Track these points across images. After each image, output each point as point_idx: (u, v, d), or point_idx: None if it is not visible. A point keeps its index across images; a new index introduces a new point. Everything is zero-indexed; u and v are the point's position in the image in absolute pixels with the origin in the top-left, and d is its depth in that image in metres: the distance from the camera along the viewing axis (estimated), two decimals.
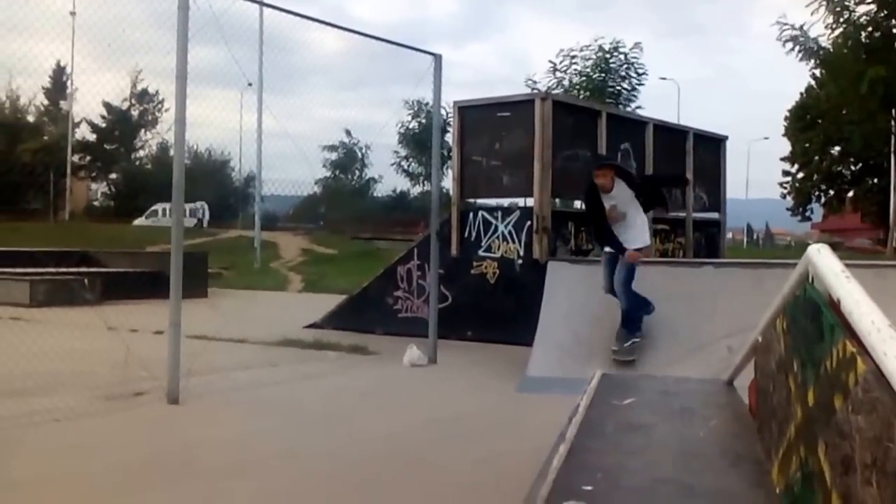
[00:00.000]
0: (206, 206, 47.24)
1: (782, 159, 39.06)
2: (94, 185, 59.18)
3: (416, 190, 47.26)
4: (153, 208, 47.06)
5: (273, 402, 7.10)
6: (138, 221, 45.44)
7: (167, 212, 46.10)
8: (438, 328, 9.19)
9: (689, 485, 2.65)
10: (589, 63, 23.97)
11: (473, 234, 10.37)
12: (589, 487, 2.57)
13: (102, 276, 16.94)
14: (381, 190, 50.46)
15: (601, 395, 3.95)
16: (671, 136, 12.36)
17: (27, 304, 14.85)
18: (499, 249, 10.16)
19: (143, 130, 58.07)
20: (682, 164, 12.26)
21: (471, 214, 10.43)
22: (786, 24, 19.74)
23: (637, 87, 24.35)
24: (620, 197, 7.82)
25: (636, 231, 7.92)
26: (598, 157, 9.49)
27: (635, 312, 7.76)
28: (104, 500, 4.31)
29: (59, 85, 54.65)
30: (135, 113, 57.38)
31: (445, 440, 5.76)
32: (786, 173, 39.18)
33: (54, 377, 7.70)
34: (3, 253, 21.70)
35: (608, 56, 23.91)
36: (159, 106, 55.92)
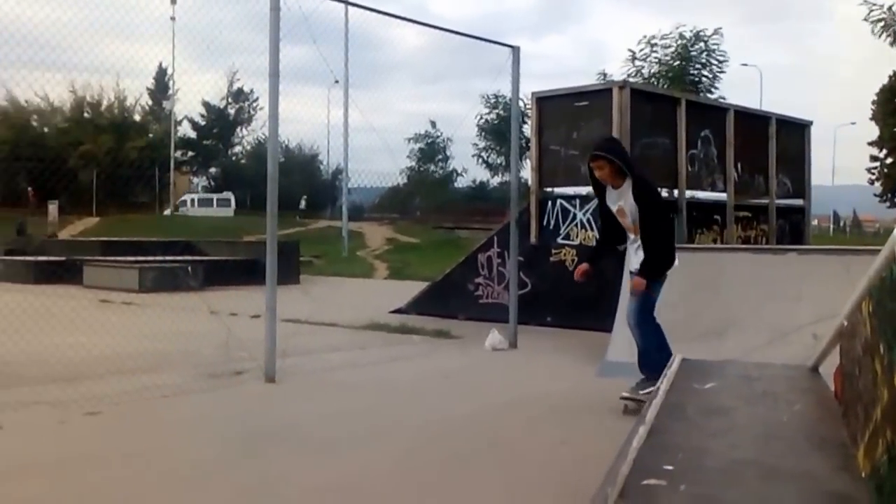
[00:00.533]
0: (232, 196, 48.99)
1: (870, 144, 37.28)
2: (195, 179, 61.01)
3: (495, 180, 47.20)
4: (182, 199, 48.67)
5: (363, 382, 7.20)
6: (168, 212, 47.00)
7: (195, 202, 48.21)
8: (518, 314, 9.16)
9: (773, 466, 2.58)
10: (668, 51, 23.45)
11: (552, 222, 10.29)
12: (670, 467, 2.52)
13: (204, 264, 17.45)
14: (462, 181, 50.56)
15: (681, 378, 3.88)
16: (753, 122, 12.00)
17: (137, 290, 15.39)
18: (577, 237, 10.07)
19: (239, 127, 59.47)
20: (765, 151, 11.90)
21: (549, 203, 10.36)
22: (874, 4, 18.93)
23: (718, 74, 23.68)
24: (629, 201, 5.84)
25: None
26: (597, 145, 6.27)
27: (655, 352, 5.74)
28: (210, 470, 4.44)
29: (161, 86, 56.43)
30: (231, 111, 58.83)
31: (526, 420, 5.74)
32: (874, 158, 37.38)
33: (162, 356, 7.99)
34: (115, 243, 22.62)
35: (688, 44, 23.34)
36: (254, 104, 57.24)
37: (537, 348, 8.82)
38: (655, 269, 5.83)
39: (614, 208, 5.98)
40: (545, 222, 10.34)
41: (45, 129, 52.58)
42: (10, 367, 7.19)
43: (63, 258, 19.06)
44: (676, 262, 6.00)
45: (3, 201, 42.97)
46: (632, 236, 6.01)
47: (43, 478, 4.28)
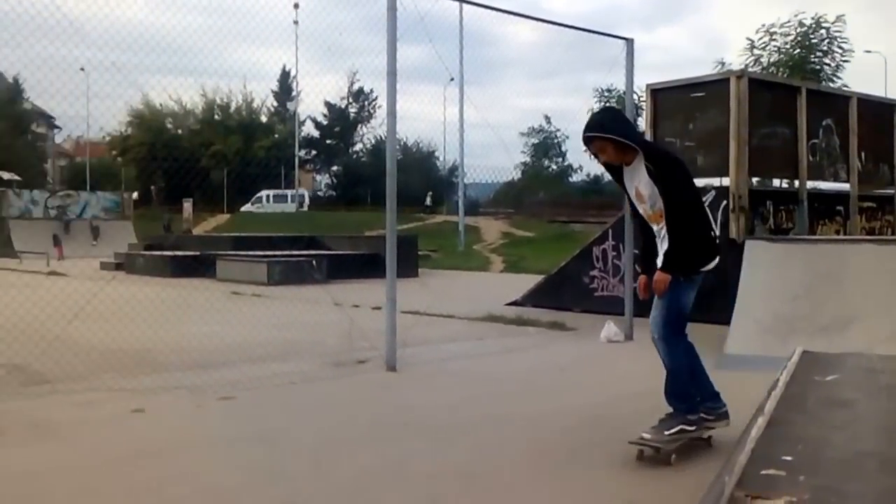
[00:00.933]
0: (305, 192, 50.97)
1: None
2: (318, 177, 62.74)
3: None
4: (258, 195, 49.87)
5: (480, 371, 7.28)
6: (245, 208, 48.15)
7: (270, 198, 49.54)
8: (634, 306, 9.04)
9: (895, 458, 2.50)
10: (788, 39, 22.50)
11: None
12: (789, 458, 2.48)
13: (328, 258, 17.99)
14: (577, 175, 50.20)
15: (802, 371, 3.78)
16: (877, 109, 11.42)
17: (265, 283, 16.02)
18: None
19: (359, 126, 60.75)
20: (891, 139, 11.32)
21: None
22: None
23: (842, 63, 22.54)
24: (643, 179, 4.54)
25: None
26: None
27: (683, 378, 4.65)
28: (337, 452, 4.61)
29: (285, 87, 58.33)
30: (352, 110, 60.13)
31: (643, 412, 5.65)
32: None
33: (290, 345, 8.30)
34: (244, 238, 23.59)
35: (808, 31, 22.33)
36: (373, 103, 58.35)
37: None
38: (682, 263, 4.49)
39: (632, 193, 4.67)
40: None
41: (179, 131, 55.30)
42: (151, 355, 7.64)
43: (197, 253, 20.02)
44: (717, 259, 4.68)
45: (141, 200, 45.41)
46: (655, 227, 4.65)
47: (184, 458, 4.54)
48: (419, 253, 20.48)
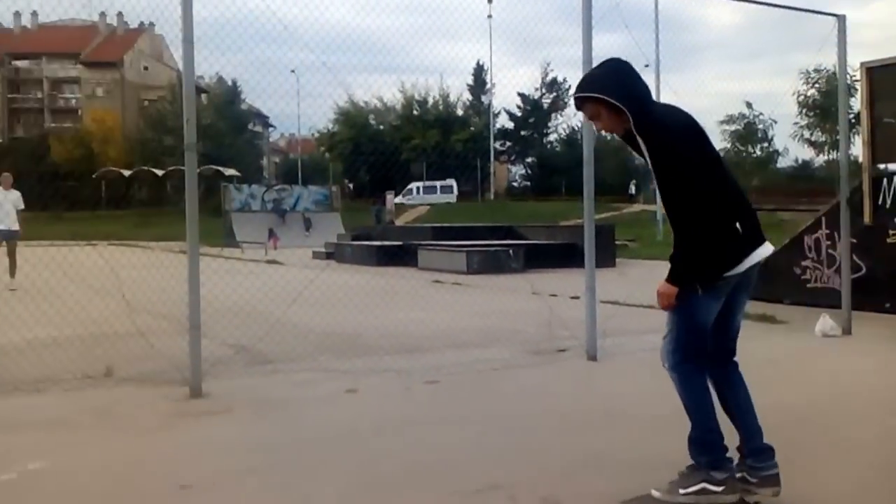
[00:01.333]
0: (454, 182, 51.29)
1: None
2: (512, 168, 63.31)
3: (820, 158, 43.66)
4: (409, 187, 50.07)
5: None
6: (397, 200, 48.60)
7: (420, 190, 49.85)
8: (852, 299, 8.46)
9: None
10: None
11: (889, 201, 9.36)
12: None
13: (524, 248, 18.12)
14: (783, 160, 47.48)
15: None
16: None
17: (464, 272, 16.40)
18: None
19: (553, 116, 60.64)
20: None
21: (885, 180, 9.43)
22: None
23: None
24: (646, 156, 3.48)
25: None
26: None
27: (704, 421, 3.55)
28: (546, 439, 4.68)
29: (479, 81, 59.27)
30: (546, 101, 60.10)
31: (855, 414, 5.31)
32: None
33: (490, 332, 8.47)
34: (444, 228, 24.27)
35: None
36: (567, 93, 58.02)
37: (875, 336, 8.09)
38: (692, 271, 3.42)
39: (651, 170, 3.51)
40: (880, 201, 9.42)
41: (381, 127, 57.71)
42: (362, 339, 8.05)
43: (400, 243, 20.81)
44: (754, 258, 3.58)
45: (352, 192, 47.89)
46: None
47: (395, 436, 4.76)
48: (616, 242, 20.16)
